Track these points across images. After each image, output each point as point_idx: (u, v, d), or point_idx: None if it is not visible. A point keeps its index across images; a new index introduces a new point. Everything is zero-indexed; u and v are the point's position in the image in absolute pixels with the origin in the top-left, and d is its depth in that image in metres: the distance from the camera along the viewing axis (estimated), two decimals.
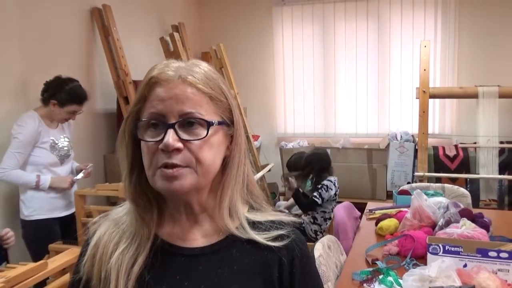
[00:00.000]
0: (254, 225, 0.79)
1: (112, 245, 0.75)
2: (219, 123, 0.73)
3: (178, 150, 0.69)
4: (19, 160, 2.33)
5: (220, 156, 0.75)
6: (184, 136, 0.70)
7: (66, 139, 2.56)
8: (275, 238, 0.77)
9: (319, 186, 3.21)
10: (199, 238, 0.77)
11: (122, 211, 0.80)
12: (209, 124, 0.71)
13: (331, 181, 3.22)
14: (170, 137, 0.68)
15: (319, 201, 3.17)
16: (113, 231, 0.77)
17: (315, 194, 3.19)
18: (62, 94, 2.41)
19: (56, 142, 2.49)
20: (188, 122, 0.70)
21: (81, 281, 0.76)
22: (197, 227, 0.78)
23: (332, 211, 3.26)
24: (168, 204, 0.78)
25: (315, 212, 3.27)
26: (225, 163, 0.76)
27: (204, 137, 0.70)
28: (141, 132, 0.71)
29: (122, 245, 0.74)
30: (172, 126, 0.69)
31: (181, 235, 0.77)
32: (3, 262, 2.07)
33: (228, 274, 0.74)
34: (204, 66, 0.74)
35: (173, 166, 0.69)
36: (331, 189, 3.19)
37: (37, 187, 2.37)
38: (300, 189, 3.30)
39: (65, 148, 2.54)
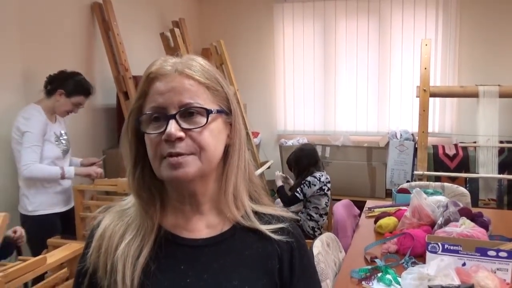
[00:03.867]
0: (257, 214, 0.82)
1: (117, 237, 0.77)
2: (218, 111, 0.76)
3: (180, 139, 0.72)
4: (38, 153, 2.31)
5: (222, 143, 0.78)
6: (185, 125, 0.72)
7: (65, 134, 2.56)
8: (276, 231, 0.81)
9: (302, 182, 3.23)
10: (203, 229, 0.80)
11: (127, 205, 0.83)
12: (208, 112, 0.74)
13: (315, 177, 3.23)
14: (172, 127, 0.71)
15: (300, 197, 3.21)
16: (118, 223, 0.79)
17: (297, 190, 3.23)
18: (69, 85, 2.42)
19: (59, 135, 2.48)
20: (188, 112, 0.73)
21: (87, 271, 0.78)
22: (201, 218, 0.80)
23: (327, 206, 3.28)
24: (172, 195, 0.80)
25: (308, 209, 3.28)
26: (227, 151, 0.79)
27: (204, 124, 0.73)
28: (144, 126, 0.75)
29: (127, 237, 0.77)
30: (173, 116, 0.72)
31: (185, 225, 0.80)
32: (10, 255, 2.08)
33: (230, 265, 0.77)
34: (199, 60, 0.78)
35: (178, 154, 0.71)
36: (314, 185, 3.21)
37: (62, 178, 2.38)
38: (283, 186, 3.36)
39: (66, 142, 2.55)
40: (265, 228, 0.80)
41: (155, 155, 0.73)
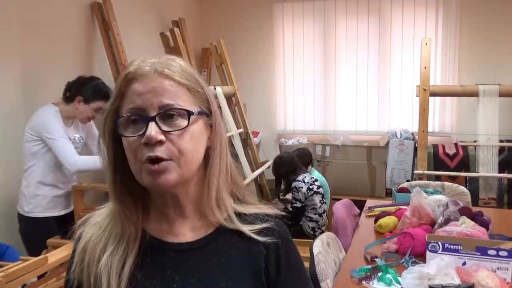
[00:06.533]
0: (241, 216, 0.81)
1: (99, 249, 0.75)
2: (199, 113, 0.74)
3: (160, 142, 0.70)
4: (69, 143, 2.34)
5: (202, 146, 0.76)
6: (165, 127, 0.70)
7: (81, 139, 2.54)
8: (260, 231, 0.80)
9: (292, 192, 3.33)
10: (187, 232, 0.79)
11: (104, 213, 0.80)
12: (189, 114, 0.72)
13: (299, 180, 3.30)
14: (152, 130, 0.69)
15: (298, 204, 3.28)
16: (99, 234, 0.77)
17: (292, 201, 3.32)
18: (88, 90, 2.39)
19: (71, 140, 2.46)
20: (168, 114, 0.71)
21: (72, 286, 0.77)
22: (185, 221, 0.79)
23: (322, 204, 3.30)
24: (155, 200, 0.78)
25: (307, 212, 3.30)
26: (208, 154, 0.77)
27: (186, 126, 0.71)
28: (121, 129, 0.72)
29: (109, 247, 0.74)
30: (153, 119, 0.70)
31: (170, 230, 0.78)
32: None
33: (216, 267, 0.76)
34: (179, 60, 0.76)
35: (157, 160, 0.69)
36: (301, 187, 3.27)
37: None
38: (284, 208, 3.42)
39: (79, 148, 2.52)
40: (248, 229, 0.79)
41: (135, 160, 0.71)
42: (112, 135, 0.74)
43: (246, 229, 0.79)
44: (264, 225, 0.80)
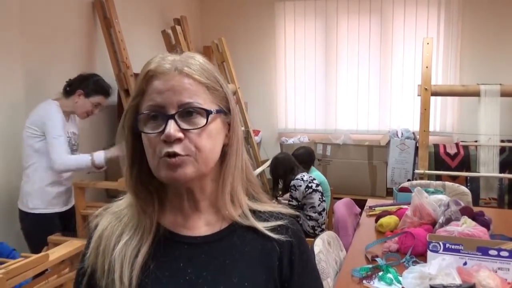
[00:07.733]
0: (255, 213, 0.82)
1: (114, 237, 0.77)
2: (217, 112, 0.75)
3: (179, 139, 0.71)
4: (66, 144, 2.33)
5: (220, 144, 0.77)
6: (184, 125, 0.71)
7: (75, 134, 2.55)
8: (275, 228, 0.81)
9: (289, 190, 3.32)
10: (202, 226, 0.80)
11: (123, 204, 0.82)
12: (208, 113, 0.72)
13: (298, 179, 3.29)
14: (171, 128, 0.70)
15: (294, 203, 3.28)
16: (115, 224, 0.79)
17: (289, 199, 3.32)
18: (89, 85, 2.43)
19: (70, 135, 2.47)
20: (187, 112, 0.72)
21: (86, 273, 0.78)
22: (200, 216, 0.80)
23: (322, 202, 3.30)
24: (170, 194, 0.79)
25: (306, 211, 3.30)
26: (225, 151, 0.78)
27: (204, 125, 0.72)
28: (141, 125, 0.73)
29: (125, 237, 0.76)
30: (172, 116, 0.71)
31: (184, 223, 0.79)
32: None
33: (230, 262, 0.77)
34: (199, 58, 0.77)
35: (175, 155, 0.71)
36: (300, 185, 3.26)
37: (93, 165, 2.38)
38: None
39: (76, 142, 2.53)
40: (263, 226, 0.80)
41: (154, 155, 0.72)
42: (131, 130, 0.76)
43: (261, 226, 0.80)
44: (279, 222, 0.81)
